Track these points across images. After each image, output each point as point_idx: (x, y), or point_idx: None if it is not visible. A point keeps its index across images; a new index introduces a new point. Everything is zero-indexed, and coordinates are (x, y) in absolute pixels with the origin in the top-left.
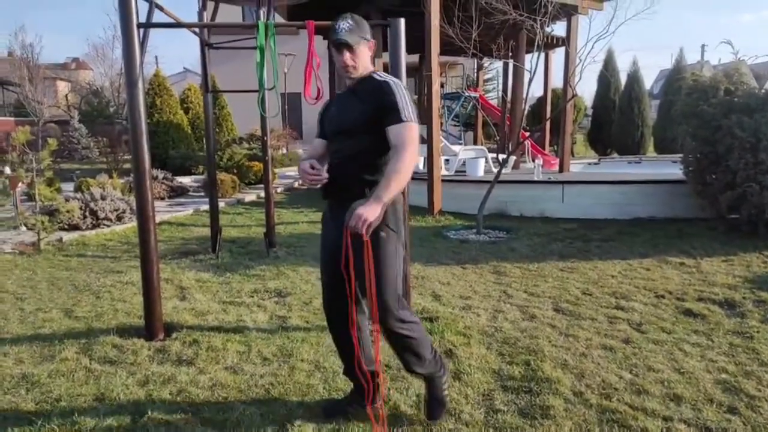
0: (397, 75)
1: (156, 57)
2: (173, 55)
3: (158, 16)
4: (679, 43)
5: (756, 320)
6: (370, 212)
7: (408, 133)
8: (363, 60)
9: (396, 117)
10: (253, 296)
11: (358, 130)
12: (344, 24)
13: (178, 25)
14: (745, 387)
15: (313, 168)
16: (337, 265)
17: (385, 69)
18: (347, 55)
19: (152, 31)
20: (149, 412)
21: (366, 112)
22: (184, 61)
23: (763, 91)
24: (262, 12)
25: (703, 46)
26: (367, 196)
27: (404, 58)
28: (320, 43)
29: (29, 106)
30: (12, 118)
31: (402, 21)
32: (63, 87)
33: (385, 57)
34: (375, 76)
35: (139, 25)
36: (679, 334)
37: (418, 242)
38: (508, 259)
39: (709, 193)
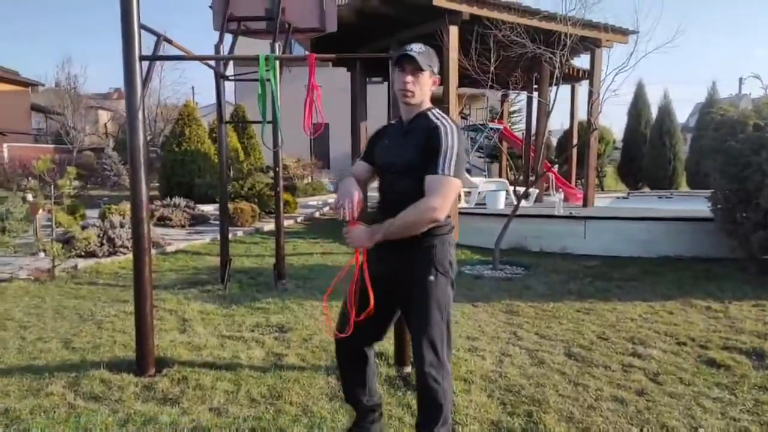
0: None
1: (192, 88)
2: (212, 86)
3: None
4: (717, 76)
5: None
6: (360, 236)
7: (439, 185)
8: (423, 89)
9: (434, 166)
10: (253, 331)
11: (410, 171)
12: (417, 46)
13: (183, 57)
14: None
15: (355, 201)
16: (382, 305)
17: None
18: (409, 77)
19: (186, 65)
20: None
21: (417, 153)
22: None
23: None
24: (278, 45)
25: (740, 78)
26: (419, 241)
27: None
28: (344, 76)
29: (67, 135)
30: (51, 146)
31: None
32: (104, 116)
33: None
34: (430, 114)
35: (142, 58)
36: (699, 386)
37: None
38: (522, 297)
39: (740, 232)
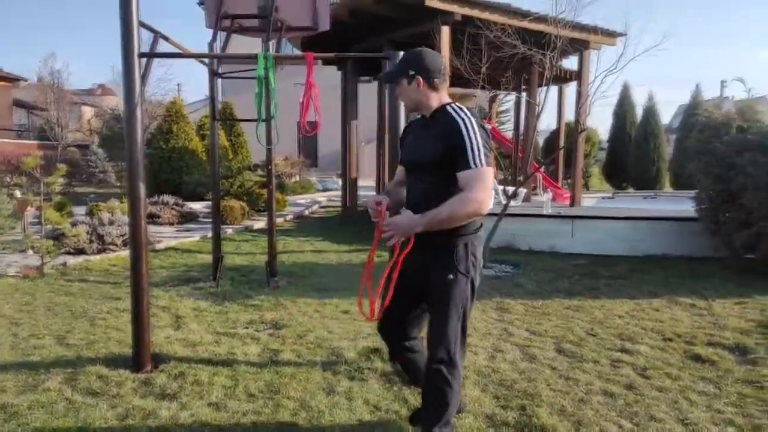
0: (395, 108)
1: (178, 84)
2: (197, 82)
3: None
4: (699, 77)
5: None
6: (402, 223)
7: (477, 178)
8: (409, 95)
9: (465, 162)
10: (248, 327)
11: (431, 167)
12: (391, 63)
13: (181, 55)
14: None
15: (378, 204)
16: (406, 297)
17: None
18: (396, 89)
19: (173, 61)
20: None
21: (438, 150)
22: (207, 88)
23: None
24: (272, 44)
25: (722, 81)
26: (442, 239)
27: None
28: (332, 74)
29: (51, 130)
30: (35, 142)
31: (401, 54)
32: (88, 112)
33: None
34: (448, 108)
35: (141, 55)
36: (685, 381)
37: None
38: (512, 295)
39: (723, 231)
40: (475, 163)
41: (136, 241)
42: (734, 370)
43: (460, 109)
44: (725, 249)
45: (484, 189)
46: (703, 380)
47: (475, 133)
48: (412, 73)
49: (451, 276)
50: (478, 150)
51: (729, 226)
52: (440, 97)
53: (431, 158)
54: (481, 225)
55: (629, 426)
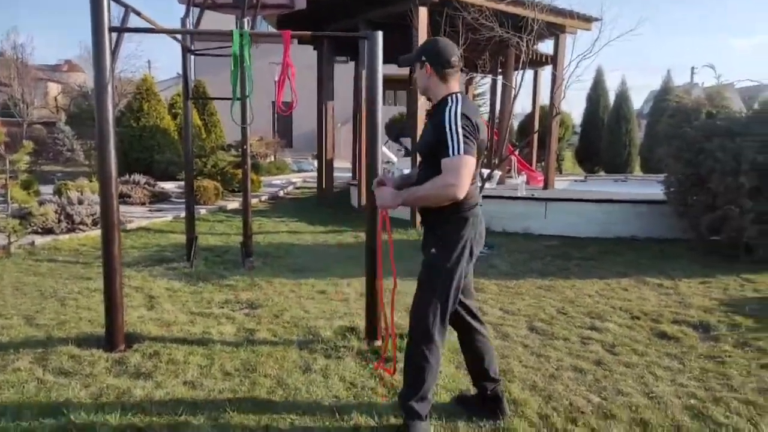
0: (372, 89)
1: (149, 61)
2: (168, 60)
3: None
4: (671, 64)
5: (729, 345)
6: (385, 194)
7: (453, 165)
8: (419, 80)
9: (446, 150)
10: (223, 307)
11: (430, 153)
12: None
13: (152, 30)
14: (713, 414)
15: (380, 183)
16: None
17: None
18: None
19: (144, 37)
20: (97, 429)
21: (432, 137)
22: (178, 66)
23: (743, 114)
24: (246, 21)
25: (692, 68)
26: (430, 216)
27: (381, 72)
28: (307, 54)
29: (15, 107)
30: None
31: (380, 34)
32: (54, 88)
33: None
34: (449, 99)
35: (111, 29)
36: (651, 356)
37: (397, 256)
38: (487, 275)
39: (691, 214)
40: (453, 152)
41: (107, 221)
42: (697, 346)
43: (456, 100)
44: (692, 231)
45: (457, 176)
46: (668, 356)
47: (456, 122)
48: (423, 59)
49: (433, 250)
50: (458, 139)
51: (696, 209)
52: (448, 86)
53: (428, 145)
54: (475, 205)
55: (597, 400)
